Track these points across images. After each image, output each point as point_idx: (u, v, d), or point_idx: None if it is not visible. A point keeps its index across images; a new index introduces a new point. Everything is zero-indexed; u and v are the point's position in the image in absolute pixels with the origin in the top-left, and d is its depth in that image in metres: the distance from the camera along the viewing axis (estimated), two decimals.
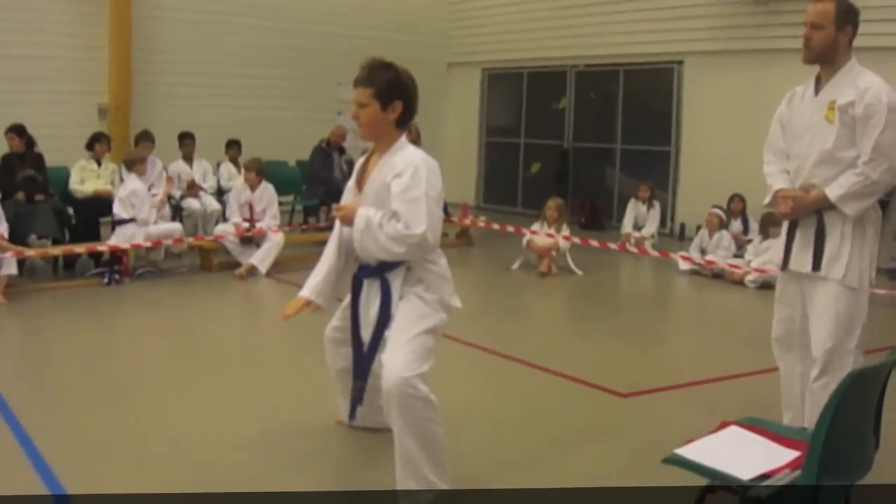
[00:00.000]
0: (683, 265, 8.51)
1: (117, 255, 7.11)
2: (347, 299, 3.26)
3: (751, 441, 2.42)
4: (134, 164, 7.28)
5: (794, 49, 10.50)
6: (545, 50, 12.49)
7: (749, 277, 7.91)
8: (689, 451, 2.28)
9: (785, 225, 3.42)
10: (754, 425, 2.53)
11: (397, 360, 2.87)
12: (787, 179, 3.35)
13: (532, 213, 12.62)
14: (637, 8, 11.17)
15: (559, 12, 12.18)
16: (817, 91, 3.27)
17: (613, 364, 5.14)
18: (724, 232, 8.69)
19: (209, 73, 10.91)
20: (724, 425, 2.53)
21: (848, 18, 3.20)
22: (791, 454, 2.33)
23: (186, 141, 8.92)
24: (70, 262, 7.47)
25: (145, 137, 8.45)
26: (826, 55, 3.21)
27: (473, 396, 4.30)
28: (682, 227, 11.14)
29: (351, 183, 3.31)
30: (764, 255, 7.95)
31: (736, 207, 9.15)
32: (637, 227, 9.95)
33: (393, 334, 2.97)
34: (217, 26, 11.01)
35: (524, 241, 8.32)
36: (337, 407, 3.69)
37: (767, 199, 3.45)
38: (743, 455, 2.30)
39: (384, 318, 3.03)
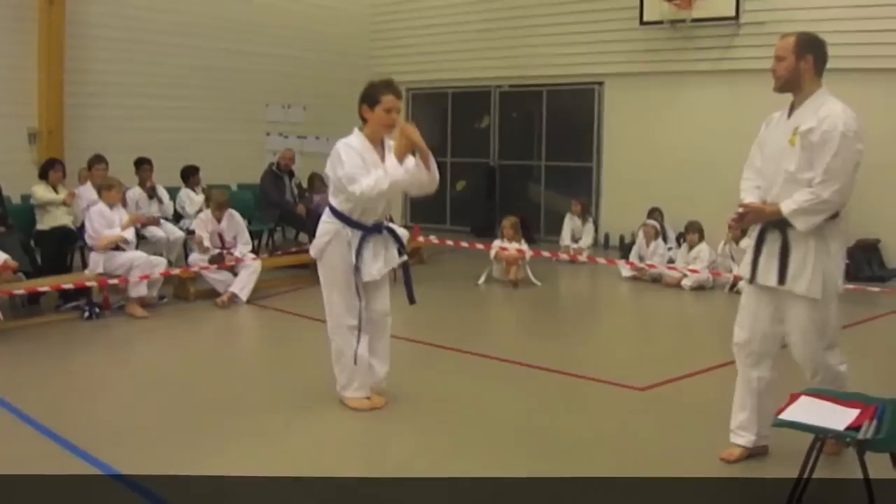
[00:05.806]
0: (625, 271, 9.26)
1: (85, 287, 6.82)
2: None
3: (822, 405, 2.93)
4: (110, 189, 7.00)
5: (705, 71, 11.44)
6: (469, 71, 12.90)
7: (685, 281, 8.68)
8: (788, 415, 2.78)
9: (753, 239, 3.66)
10: (817, 393, 3.05)
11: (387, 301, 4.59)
12: (757, 195, 3.65)
13: (461, 229, 13.10)
14: (560, 32, 11.82)
15: (483, 34, 12.63)
16: (789, 116, 3.56)
17: (621, 363, 5.67)
18: (659, 241, 9.45)
19: (140, 94, 10.64)
20: (794, 397, 3.03)
21: (808, 48, 3.47)
22: (855, 411, 2.86)
23: (144, 167, 8.69)
24: (34, 297, 6.97)
25: (98, 161, 8.11)
26: (791, 83, 3.51)
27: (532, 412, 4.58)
28: (607, 236, 11.85)
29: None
30: (693, 262, 8.78)
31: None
32: (574, 240, 10.61)
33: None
34: (148, 46, 10.77)
35: (492, 252, 8.74)
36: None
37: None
38: (826, 415, 2.81)
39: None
